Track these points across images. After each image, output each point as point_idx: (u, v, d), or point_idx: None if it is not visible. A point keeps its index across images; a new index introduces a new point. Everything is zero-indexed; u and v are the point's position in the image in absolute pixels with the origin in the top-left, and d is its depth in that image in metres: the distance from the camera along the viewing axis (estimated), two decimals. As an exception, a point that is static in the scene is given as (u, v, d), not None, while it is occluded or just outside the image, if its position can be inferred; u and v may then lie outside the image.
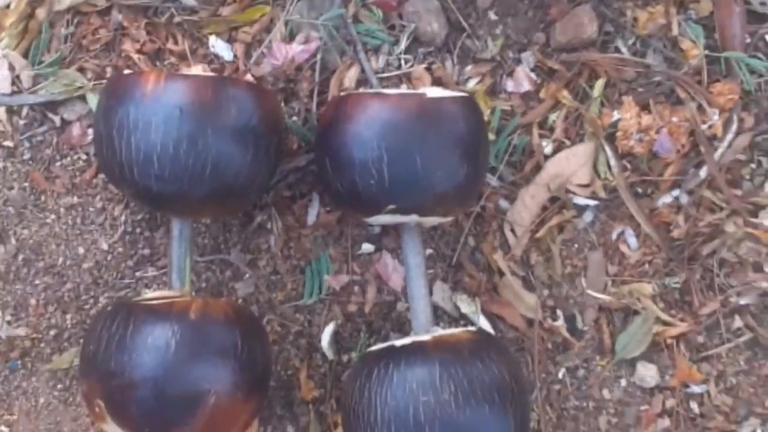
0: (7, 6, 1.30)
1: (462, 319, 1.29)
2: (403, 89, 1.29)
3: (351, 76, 1.31)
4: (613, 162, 1.33)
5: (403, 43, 1.33)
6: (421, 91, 1.15)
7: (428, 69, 1.33)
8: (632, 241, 1.33)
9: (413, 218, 1.13)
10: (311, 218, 1.29)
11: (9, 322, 1.26)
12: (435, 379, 1.03)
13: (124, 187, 1.11)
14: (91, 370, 1.06)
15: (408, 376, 1.04)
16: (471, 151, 1.12)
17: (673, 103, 1.33)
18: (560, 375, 1.30)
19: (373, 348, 1.14)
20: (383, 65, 1.33)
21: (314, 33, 1.31)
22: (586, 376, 1.31)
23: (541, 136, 1.33)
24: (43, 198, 1.28)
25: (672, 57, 1.34)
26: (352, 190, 1.11)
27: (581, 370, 1.31)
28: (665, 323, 1.30)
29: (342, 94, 1.25)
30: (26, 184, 1.28)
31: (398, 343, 1.10)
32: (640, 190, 1.33)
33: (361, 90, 1.29)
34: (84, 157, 1.29)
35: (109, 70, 1.30)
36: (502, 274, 1.30)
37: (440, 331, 1.13)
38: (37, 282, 1.27)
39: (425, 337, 1.10)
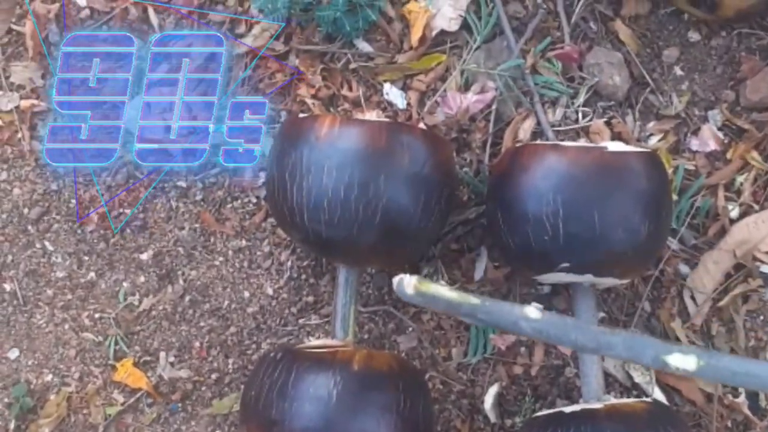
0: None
1: (634, 389, 1.24)
2: (582, 142, 1.26)
3: (526, 128, 1.28)
4: (806, 231, 1.26)
5: (582, 96, 1.30)
6: (601, 144, 1.11)
7: (608, 123, 1.30)
8: (825, 316, 1.25)
9: (588, 278, 1.09)
10: (478, 273, 1.27)
11: (172, 364, 1.27)
12: (606, 451, 0.98)
13: (293, 232, 1.11)
14: (251, 416, 1.05)
15: (577, 445, 0.99)
16: (653, 210, 1.06)
17: None
18: (741, 456, 1.23)
19: (541, 413, 1.09)
20: (560, 118, 1.30)
21: (490, 83, 1.29)
22: (770, 459, 1.23)
23: (727, 199, 1.28)
24: (212, 240, 1.30)
25: None
26: (525, 246, 1.08)
27: (764, 452, 1.23)
28: None
29: (518, 144, 1.23)
30: (197, 225, 1.30)
31: (567, 409, 1.06)
32: (835, 263, 1.26)
33: (538, 141, 1.26)
34: (254, 200, 1.31)
35: (283, 114, 1.32)
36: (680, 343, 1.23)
37: (612, 400, 1.07)
38: (202, 324, 1.28)
39: (596, 405, 1.05)
